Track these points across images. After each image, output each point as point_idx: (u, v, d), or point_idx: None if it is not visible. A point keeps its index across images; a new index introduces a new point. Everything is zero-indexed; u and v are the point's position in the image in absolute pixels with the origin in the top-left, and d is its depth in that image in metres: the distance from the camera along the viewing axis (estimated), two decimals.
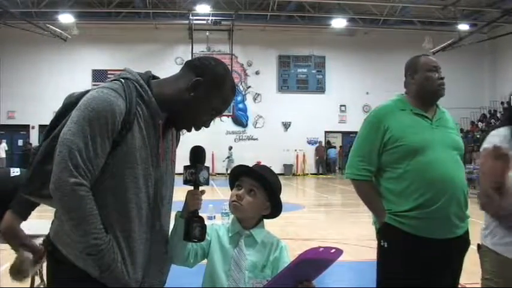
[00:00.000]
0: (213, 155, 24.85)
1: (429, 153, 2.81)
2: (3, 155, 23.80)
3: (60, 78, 23.74)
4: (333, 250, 1.91)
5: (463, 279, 2.95)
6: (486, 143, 2.59)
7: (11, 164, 23.76)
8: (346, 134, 26.49)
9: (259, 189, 2.22)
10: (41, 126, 23.63)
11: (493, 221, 2.56)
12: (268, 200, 2.24)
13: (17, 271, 3.46)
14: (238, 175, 2.25)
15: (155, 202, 1.94)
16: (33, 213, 3.40)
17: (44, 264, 2.30)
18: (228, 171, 23.79)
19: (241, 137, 26.79)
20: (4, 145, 24.21)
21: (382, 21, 24.41)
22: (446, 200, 2.77)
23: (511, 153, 2.44)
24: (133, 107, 1.84)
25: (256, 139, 26.62)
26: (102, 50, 25.22)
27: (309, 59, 27.00)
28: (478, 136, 22.39)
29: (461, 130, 22.05)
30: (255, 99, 26.95)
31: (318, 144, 26.76)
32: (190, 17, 23.45)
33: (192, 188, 2.03)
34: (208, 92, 1.93)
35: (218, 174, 23.22)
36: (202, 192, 2.05)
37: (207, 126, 2.02)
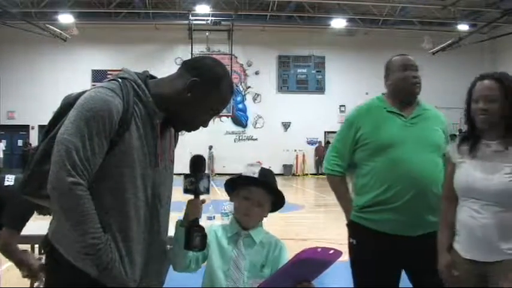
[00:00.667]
0: (213, 155, 24.88)
1: (397, 151, 2.85)
2: (1, 155, 23.78)
3: (60, 79, 23.71)
4: (332, 251, 1.91)
5: None
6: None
7: (10, 164, 23.77)
8: None
9: (267, 199, 2.23)
10: (40, 126, 23.60)
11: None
12: (273, 208, 2.27)
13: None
14: (244, 183, 2.23)
15: (153, 202, 1.94)
16: (33, 214, 3.40)
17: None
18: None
19: (241, 137, 26.78)
20: (2, 145, 24.20)
21: (381, 22, 24.41)
22: (411, 197, 2.80)
23: (459, 160, 2.59)
24: (130, 106, 1.84)
25: (256, 139, 26.60)
26: (101, 50, 25.20)
27: (308, 59, 26.98)
28: None
29: (460, 130, 22.06)
30: (254, 100, 26.94)
31: (317, 145, 26.75)
32: (190, 17, 23.44)
33: (192, 197, 2.05)
34: (205, 92, 1.93)
35: (218, 174, 23.21)
36: (203, 201, 2.06)
37: (205, 126, 2.02)
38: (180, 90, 1.93)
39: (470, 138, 2.57)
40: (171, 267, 2.11)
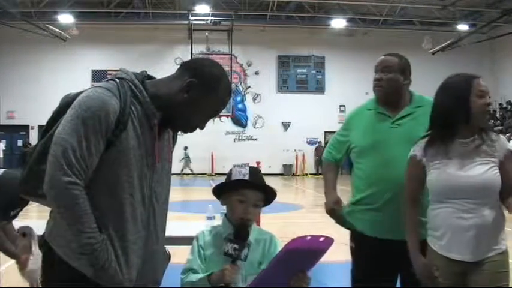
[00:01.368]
0: (212, 155, 24.87)
1: (380, 152, 2.88)
2: (1, 155, 23.77)
3: (60, 79, 23.69)
4: (322, 238, 1.89)
5: None
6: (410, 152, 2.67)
7: (10, 164, 23.75)
8: None
9: (262, 199, 2.25)
10: (40, 126, 23.58)
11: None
12: (265, 203, 2.28)
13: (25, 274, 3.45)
14: (236, 187, 2.23)
15: (150, 202, 1.94)
16: (33, 214, 3.40)
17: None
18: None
19: (240, 137, 26.78)
20: (2, 145, 24.18)
21: (381, 22, 24.41)
22: (392, 198, 2.81)
23: (425, 159, 2.58)
24: (127, 106, 1.84)
25: (256, 139, 26.60)
26: (101, 50, 25.20)
27: (308, 59, 26.99)
28: None
29: None
30: (254, 100, 26.94)
31: (317, 145, 26.74)
32: (190, 17, 23.43)
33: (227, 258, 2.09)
34: (202, 93, 1.92)
35: (218, 174, 23.19)
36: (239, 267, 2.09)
37: (202, 128, 2.01)
38: (177, 90, 1.93)
39: (443, 138, 2.55)
40: (169, 266, 2.11)
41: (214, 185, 2.33)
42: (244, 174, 2.21)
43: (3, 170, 3.53)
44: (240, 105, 26.78)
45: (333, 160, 3.17)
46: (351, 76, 25.84)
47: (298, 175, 26.21)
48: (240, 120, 26.80)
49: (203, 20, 23.69)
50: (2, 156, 23.82)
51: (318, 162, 26.69)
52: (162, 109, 1.92)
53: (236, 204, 2.21)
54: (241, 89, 26.83)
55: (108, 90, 1.84)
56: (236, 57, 26.05)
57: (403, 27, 24.50)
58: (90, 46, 24.87)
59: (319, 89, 27.08)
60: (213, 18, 23.39)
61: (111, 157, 1.82)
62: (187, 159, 23.89)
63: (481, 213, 2.44)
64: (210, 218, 4.09)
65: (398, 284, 2.99)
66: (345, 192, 3.36)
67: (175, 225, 4.46)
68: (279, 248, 2.16)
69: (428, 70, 23.76)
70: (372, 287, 2.91)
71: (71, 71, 24.39)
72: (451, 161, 2.52)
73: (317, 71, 27.11)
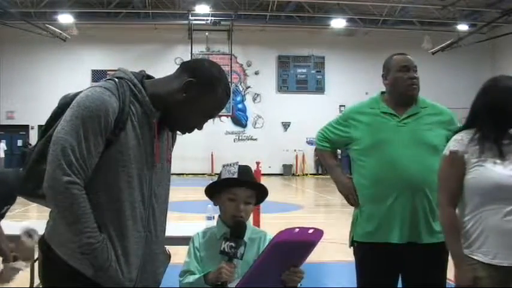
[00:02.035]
0: (212, 155, 24.87)
1: (386, 151, 2.85)
2: (2, 155, 23.77)
3: (60, 79, 23.71)
4: (311, 230, 1.87)
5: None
6: (445, 149, 2.51)
7: (10, 164, 23.74)
8: None
9: (253, 197, 2.25)
10: (40, 126, 23.53)
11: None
12: (257, 202, 2.28)
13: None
14: (226, 186, 2.23)
15: (150, 202, 1.93)
16: (33, 214, 3.40)
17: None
18: None
19: (240, 137, 26.78)
20: (3, 145, 24.18)
21: (381, 22, 24.40)
22: (398, 197, 2.80)
23: (467, 156, 2.41)
24: (126, 105, 1.84)
25: (256, 139, 26.60)
26: (101, 50, 25.20)
27: (308, 59, 26.99)
28: None
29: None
30: (254, 100, 26.94)
31: None
32: (190, 17, 23.43)
33: (217, 254, 2.07)
34: (200, 93, 1.92)
35: (218, 174, 23.13)
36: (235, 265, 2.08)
37: (200, 128, 2.00)
38: (176, 90, 1.92)
39: (496, 136, 2.41)
40: (169, 266, 2.11)
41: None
42: (233, 172, 2.21)
43: None
44: (240, 105, 26.78)
45: (331, 147, 3.14)
46: (350, 76, 25.86)
47: (298, 175, 26.22)
48: (240, 120, 26.80)
49: (203, 20, 23.68)
50: (3, 156, 23.80)
51: (318, 162, 26.72)
52: (161, 108, 1.92)
53: (227, 203, 2.21)
54: (241, 89, 26.83)
55: (107, 89, 1.84)
56: (236, 57, 26.05)
57: (403, 27, 24.49)
58: (90, 46, 24.87)
59: (319, 89, 27.08)
60: (212, 18, 23.38)
61: (111, 156, 1.82)
62: None
63: None
64: (209, 218, 4.08)
65: (399, 284, 2.99)
66: None
67: (175, 225, 4.47)
68: None
69: (428, 70, 23.73)
70: None
71: (70, 71, 24.40)
72: (499, 160, 2.37)
73: (317, 71, 27.11)
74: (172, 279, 2.28)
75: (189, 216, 9.58)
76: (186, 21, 23.99)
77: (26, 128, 25.33)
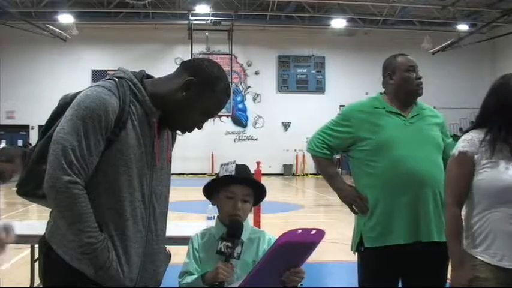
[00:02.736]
0: (212, 155, 24.86)
1: (398, 150, 2.84)
2: None
3: (60, 79, 23.69)
4: (314, 231, 1.87)
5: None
6: (454, 149, 2.47)
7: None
8: None
9: (251, 195, 2.24)
10: (40, 126, 23.48)
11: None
12: (256, 202, 2.27)
13: None
14: (224, 184, 2.22)
15: (150, 201, 1.93)
16: (34, 213, 3.41)
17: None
18: None
19: (241, 137, 26.77)
20: (3, 145, 24.18)
21: (381, 22, 24.39)
22: (412, 196, 2.79)
23: (477, 157, 2.37)
24: (126, 105, 1.84)
25: (256, 139, 26.59)
26: (101, 50, 25.19)
27: (308, 59, 26.97)
28: None
29: (461, 129, 22.06)
30: (254, 100, 26.93)
31: None
32: (190, 17, 23.42)
33: (220, 257, 2.07)
34: (200, 92, 1.92)
35: (217, 174, 23.14)
36: (232, 265, 2.07)
37: (199, 128, 2.00)
38: (176, 89, 1.92)
39: (507, 137, 2.36)
40: (169, 266, 2.11)
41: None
42: (230, 171, 2.21)
43: None
44: (240, 105, 26.77)
45: (330, 155, 3.06)
46: (351, 76, 25.85)
47: (299, 175, 26.20)
48: (240, 120, 26.79)
49: (203, 20, 23.68)
50: None
51: None
52: (161, 108, 1.92)
53: (225, 201, 2.20)
54: (242, 89, 26.82)
55: (107, 89, 1.84)
56: (236, 57, 26.04)
57: (403, 27, 24.48)
58: (90, 46, 24.87)
59: (320, 89, 27.07)
60: (213, 18, 23.37)
61: (111, 156, 1.82)
62: None
63: None
64: (210, 218, 4.08)
65: (399, 284, 2.99)
66: None
67: (176, 225, 4.47)
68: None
69: (428, 70, 23.69)
70: None
71: (71, 71, 24.39)
72: (511, 162, 2.32)
73: (317, 71, 27.09)
74: (173, 279, 2.28)
75: (189, 216, 9.58)
76: (186, 21, 23.98)
77: (26, 128, 25.33)
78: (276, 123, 26.64)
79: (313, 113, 25.99)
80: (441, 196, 2.81)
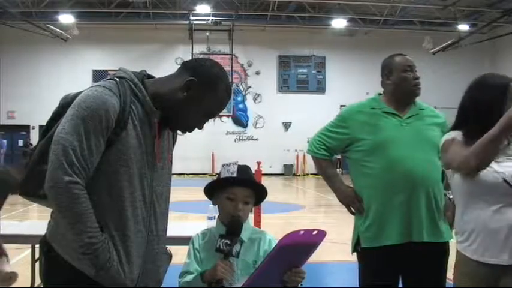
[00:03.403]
0: (213, 155, 24.86)
1: (394, 150, 2.84)
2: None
3: (60, 79, 23.70)
4: (315, 232, 1.88)
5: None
6: (440, 143, 2.55)
7: (11, 164, 23.73)
8: None
9: (252, 197, 2.24)
10: (41, 126, 23.53)
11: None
12: (256, 202, 2.27)
13: None
14: (225, 185, 2.22)
15: (151, 201, 1.93)
16: (34, 213, 3.41)
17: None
18: None
19: (241, 137, 26.77)
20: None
21: (382, 22, 24.38)
22: (409, 196, 2.80)
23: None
24: (127, 105, 1.84)
25: (257, 139, 26.59)
26: (102, 50, 25.20)
27: (309, 59, 26.97)
28: None
29: None
30: (255, 100, 26.93)
31: None
32: (191, 17, 23.42)
33: (218, 255, 2.07)
34: (201, 92, 1.92)
35: (218, 174, 23.12)
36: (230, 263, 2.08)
37: (200, 128, 2.00)
38: (177, 89, 1.92)
39: (481, 133, 2.36)
40: (170, 266, 2.11)
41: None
42: (232, 172, 2.20)
43: None
44: (240, 105, 26.77)
45: (329, 155, 3.08)
46: (351, 76, 25.85)
47: (299, 175, 26.20)
48: (240, 120, 26.79)
49: (204, 20, 23.67)
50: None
51: None
52: (162, 108, 1.92)
53: (226, 203, 2.20)
54: (242, 89, 26.82)
55: (108, 89, 1.84)
56: (237, 57, 26.05)
57: (404, 27, 24.48)
58: (90, 46, 24.87)
59: (320, 89, 27.06)
60: (213, 18, 23.37)
61: (112, 156, 1.82)
62: None
63: None
64: (210, 218, 4.08)
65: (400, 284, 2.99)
66: None
67: (176, 225, 4.48)
68: (273, 245, 2.15)
69: (429, 70, 23.73)
70: None
71: (71, 71, 24.41)
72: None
73: (318, 71, 27.09)
74: (173, 279, 2.28)
75: (190, 216, 9.59)
76: (186, 21, 23.99)
77: (26, 128, 25.34)
78: (277, 123, 26.64)
79: (313, 113, 26.01)
80: (435, 196, 2.82)
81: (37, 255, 4.45)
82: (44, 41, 23.50)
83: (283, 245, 1.85)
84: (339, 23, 23.92)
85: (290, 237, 1.84)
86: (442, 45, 23.76)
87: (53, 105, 2.01)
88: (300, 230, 1.86)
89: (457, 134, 2.49)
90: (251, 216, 2.33)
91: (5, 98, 24.86)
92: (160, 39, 25.29)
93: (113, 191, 1.83)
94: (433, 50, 23.98)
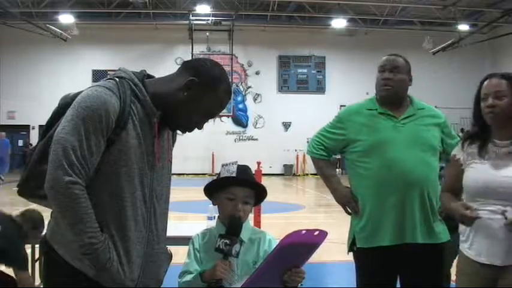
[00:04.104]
0: (213, 155, 24.86)
1: (388, 151, 2.84)
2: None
3: (61, 79, 23.70)
4: (317, 232, 1.89)
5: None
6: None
7: (11, 164, 23.73)
8: None
9: (252, 197, 2.24)
10: (40, 126, 23.47)
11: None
12: (256, 202, 2.27)
13: None
14: (225, 185, 2.23)
15: (151, 201, 1.93)
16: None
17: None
18: None
19: (241, 137, 26.77)
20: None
21: (382, 22, 24.39)
22: (402, 197, 2.80)
23: (463, 157, 2.55)
24: (127, 105, 1.84)
25: (257, 139, 26.59)
26: (102, 50, 25.19)
27: (309, 59, 26.96)
28: None
29: (462, 130, 22.07)
30: (255, 100, 26.93)
31: None
32: (191, 17, 23.42)
33: (218, 255, 2.07)
34: (201, 92, 1.92)
35: (218, 174, 23.12)
36: (230, 263, 2.08)
37: (200, 128, 2.00)
38: (176, 89, 1.92)
39: (479, 139, 2.51)
40: (170, 266, 2.11)
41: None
42: (231, 172, 2.21)
43: None
44: (240, 105, 26.77)
45: (327, 156, 3.10)
46: (351, 76, 25.84)
47: (299, 175, 26.20)
48: (240, 120, 26.79)
49: (204, 20, 23.67)
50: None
51: None
52: (162, 108, 1.92)
53: (225, 202, 2.21)
54: (242, 89, 26.82)
55: (108, 89, 1.84)
56: (237, 57, 26.04)
57: (404, 27, 24.47)
58: (90, 46, 24.87)
59: (320, 89, 27.06)
60: (213, 18, 23.37)
61: (112, 156, 1.82)
62: None
63: None
64: (210, 218, 4.08)
65: (398, 284, 2.99)
66: None
67: (176, 225, 4.47)
68: (274, 245, 2.16)
69: (428, 70, 23.77)
70: None
71: (71, 71, 24.40)
72: (484, 161, 2.46)
73: (317, 71, 27.08)
74: (173, 279, 2.28)
75: (189, 216, 9.58)
76: (186, 21, 23.98)
77: (26, 128, 25.34)
78: (277, 123, 26.64)
79: (313, 113, 26.00)
80: (430, 198, 2.82)
81: (37, 255, 4.45)
82: (44, 41, 23.49)
83: (284, 244, 1.86)
84: (339, 23, 23.92)
85: (292, 236, 1.85)
86: (442, 45, 23.75)
87: (53, 105, 2.01)
88: (301, 230, 1.86)
89: (458, 150, 2.61)
90: (251, 216, 2.33)
91: (5, 98, 24.87)
92: (160, 39, 25.28)
93: (113, 191, 1.83)
94: (433, 50, 23.97)
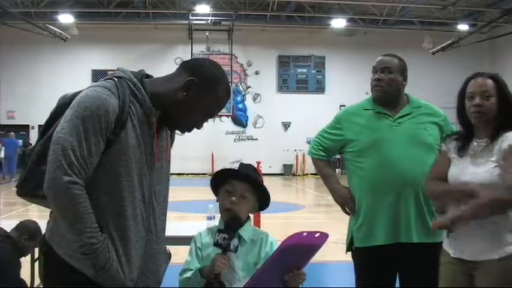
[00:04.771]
0: (212, 155, 24.86)
1: (383, 150, 2.86)
2: (2, 155, 23.72)
3: (60, 79, 23.69)
4: (318, 234, 1.89)
5: None
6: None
7: (10, 164, 23.71)
8: None
9: (250, 192, 2.23)
10: (40, 126, 23.36)
11: None
12: (258, 200, 2.26)
13: None
14: (226, 178, 2.25)
15: (150, 201, 1.93)
16: (34, 213, 3.42)
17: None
18: None
19: (241, 137, 26.77)
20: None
21: (381, 22, 24.39)
22: (399, 195, 2.82)
23: (453, 156, 2.61)
24: (126, 105, 1.84)
25: (256, 139, 26.59)
26: (101, 50, 25.19)
27: (308, 59, 26.96)
28: None
29: None
30: (254, 99, 26.93)
31: None
32: (190, 17, 23.42)
33: (217, 250, 2.08)
34: (200, 92, 1.92)
35: None
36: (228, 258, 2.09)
37: (199, 128, 2.01)
38: (175, 89, 1.92)
39: (462, 138, 2.58)
40: (169, 266, 2.11)
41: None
42: (233, 167, 2.26)
43: None
44: (240, 105, 26.77)
45: (326, 156, 3.14)
46: (351, 76, 25.82)
47: (299, 175, 26.20)
48: (240, 120, 26.79)
49: (203, 19, 23.67)
50: (3, 156, 23.74)
51: None
52: (161, 108, 1.92)
53: (224, 196, 2.23)
54: (242, 89, 26.82)
55: (107, 89, 1.84)
56: (236, 57, 26.04)
57: (403, 27, 24.48)
58: (90, 46, 24.86)
59: (320, 89, 27.06)
60: (213, 18, 23.37)
61: (111, 156, 1.82)
62: None
63: None
64: (210, 218, 4.09)
65: (397, 284, 3.00)
66: None
67: (176, 225, 4.47)
68: (275, 247, 2.16)
69: (428, 70, 23.78)
70: None
71: (71, 71, 24.40)
72: (463, 159, 2.52)
73: (317, 71, 27.08)
74: (173, 279, 2.28)
75: (189, 216, 9.58)
76: (186, 21, 23.99)
77: (26, 128, 25.33)
78: (276, 123, 26.64)
79: (313, 113, 26.00)
80: (425, 196, 2.82)
81: (36, 255, 4.45)
82: (43, 41, 23.48)
83: (286, 246, 1.86)
84: (339, 23, 23.92)
85: (293, 238, 1.85)
86: (441, 45, 23.75)
87: (53, 105, 2.01)
88: (303, 232, 1.86)
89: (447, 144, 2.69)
90: (251, 216, 2.33)
91: (5, 98, 24.86)
92: (160, 39, 25.28)
93: (113, 191, 1.83)
94: (432, 50, 23.97)
